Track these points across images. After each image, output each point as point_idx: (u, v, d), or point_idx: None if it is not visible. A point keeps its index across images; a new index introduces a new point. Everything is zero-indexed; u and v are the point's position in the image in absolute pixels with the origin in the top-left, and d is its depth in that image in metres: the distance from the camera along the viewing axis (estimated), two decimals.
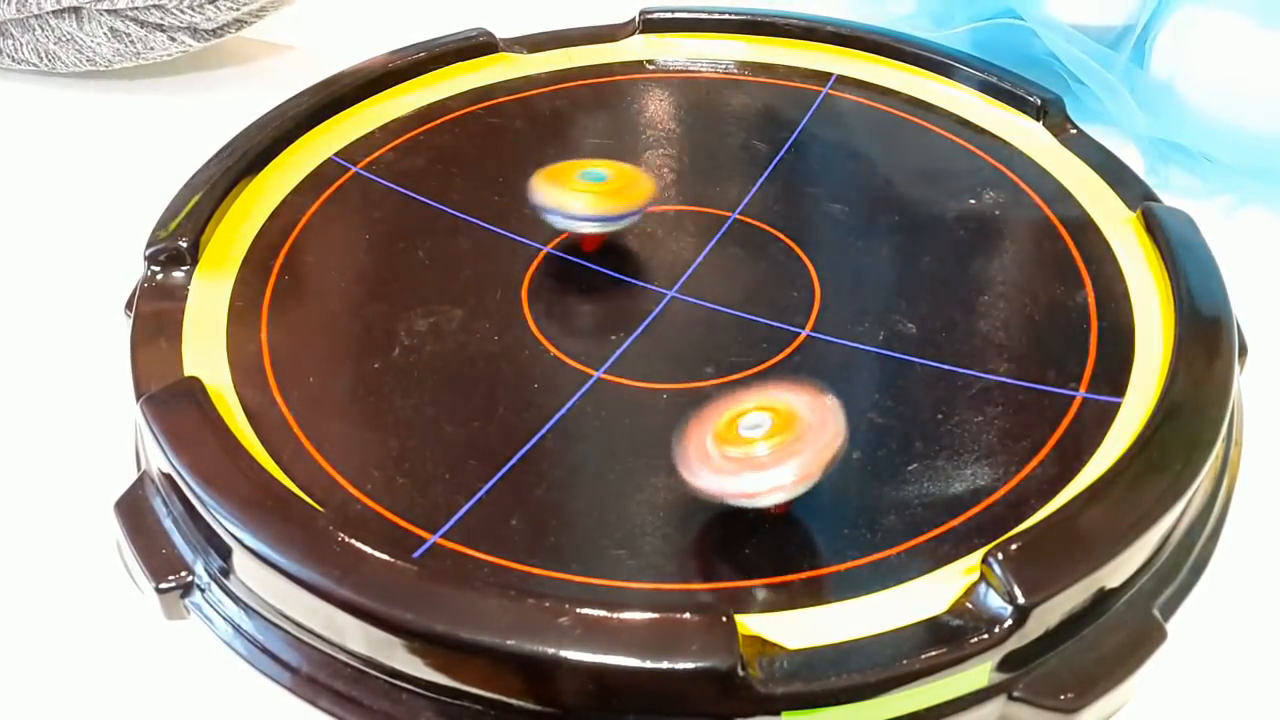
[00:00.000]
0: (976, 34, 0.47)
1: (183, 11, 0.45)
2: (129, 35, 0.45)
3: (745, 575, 0.26)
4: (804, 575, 0.26)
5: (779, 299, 0.34)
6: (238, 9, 0.46)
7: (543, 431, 0.30)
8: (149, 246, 0.34)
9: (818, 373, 0.31)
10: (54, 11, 0.46)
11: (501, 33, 0.45)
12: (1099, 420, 0.30)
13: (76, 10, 0.46)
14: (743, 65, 0.45)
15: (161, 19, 0.45)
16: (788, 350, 0.32)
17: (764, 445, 0.25)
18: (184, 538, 0.28)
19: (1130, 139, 0.44)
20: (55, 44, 0.46)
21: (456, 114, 0.42)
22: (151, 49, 0.46)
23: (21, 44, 0.47)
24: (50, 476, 0.32)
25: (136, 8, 0.45)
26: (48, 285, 0.39)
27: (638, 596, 0.25)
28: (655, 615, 0.23)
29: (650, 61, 0.45)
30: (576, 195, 0.33)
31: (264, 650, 0.26)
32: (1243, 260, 0.36)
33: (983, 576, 0.25)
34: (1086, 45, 0.44)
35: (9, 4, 0.46)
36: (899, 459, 0.29)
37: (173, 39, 0.45)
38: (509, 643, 0.23)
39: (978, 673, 0.24)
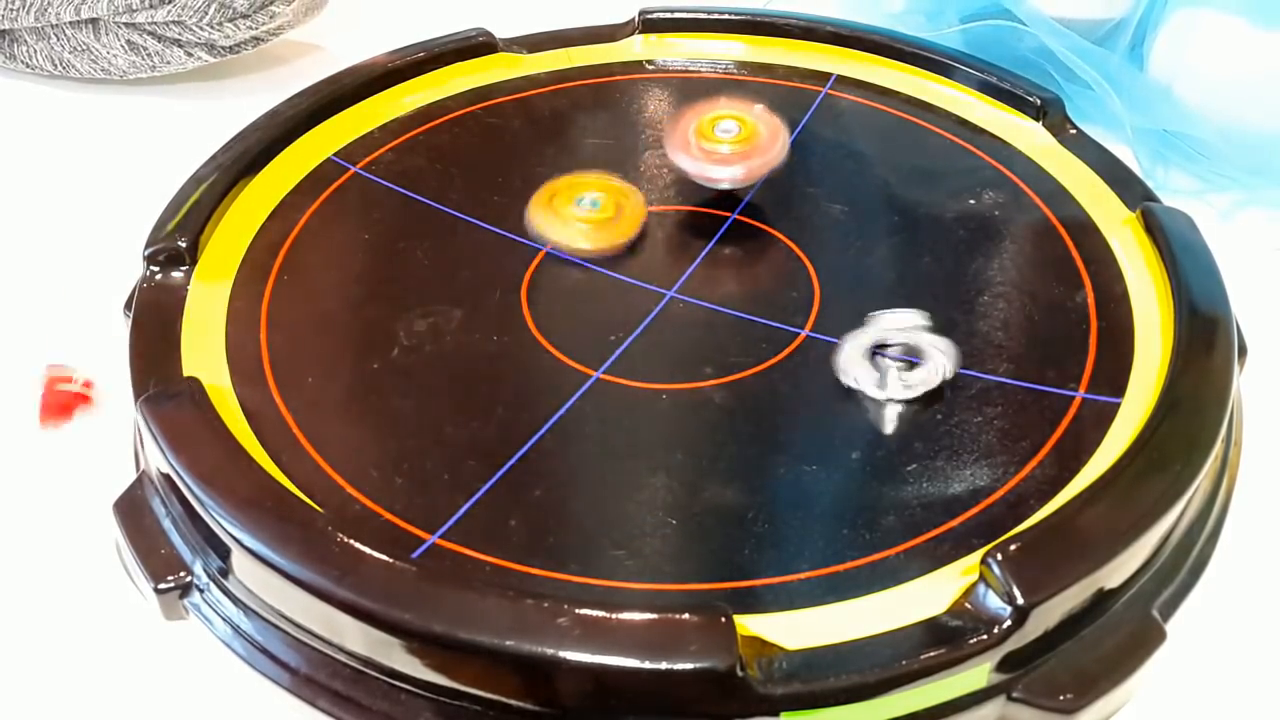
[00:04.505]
0: (968, 33, 0.47)
1: (202, 29, 0.45)
2: (146, 49, 0.45)
3: (745, 575, 0.26)
4: (804, 575, 0.26)
5: (778, 299, 0.34)
6: (256, 29, 0.46)
7: (542, 432, 0.29)
8: (148, 246, 0.34)
9: (817, 373, 0.31)
10: (72, 22, 0.46)
11: (501, 33, 0.45)
12: (1098, 420, 0.30)
13: (94, 21, 0.46)
14: (742, 65, 0.45)
15: (180, 35, 0.45)
16: (787, 350, 0.32)
17: (727, 147, 0.36)
18: (183, 538, 0.28)
19: (1126, 139, 0.44)
20: (70, 53, 0.46)
21: (456, 114, 0.42)
22: (167, 63, 0.46)
23: (36, 51, 0.47)
24: (50, 476, 0.32)
25: (156, 23, 0.45)
26: (48, 285, 0.39)
27: (636, 597, 0.25)
28: (654, 615, 0.23)
29: (650, 61, 0.45)
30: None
31: (263, 651, 0.26)
32: (1243, 260, 0.36)
33: (982, 577, 0.25)
34: (1077, 42, 0.44)
35: (28, 12, 0.46)
36: (898, 459, 0.29)
37: (189, 54, 0.45)
38: (508, 643, 0.23)
39: (977, 673, 0.24)
